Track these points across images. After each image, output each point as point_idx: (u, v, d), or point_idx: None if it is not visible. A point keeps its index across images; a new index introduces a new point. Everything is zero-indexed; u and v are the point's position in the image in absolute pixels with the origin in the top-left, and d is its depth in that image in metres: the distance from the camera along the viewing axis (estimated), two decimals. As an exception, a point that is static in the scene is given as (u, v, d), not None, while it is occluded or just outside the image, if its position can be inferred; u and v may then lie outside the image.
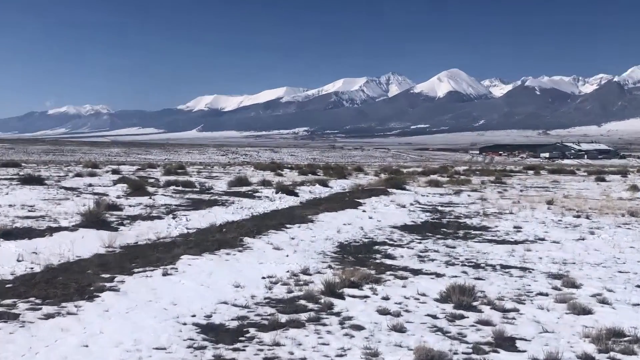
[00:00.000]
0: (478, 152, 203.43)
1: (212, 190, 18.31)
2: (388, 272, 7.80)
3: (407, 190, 21.16)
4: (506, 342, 5.22)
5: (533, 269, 8.32)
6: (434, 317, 5.90)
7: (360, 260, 8.60)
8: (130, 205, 13.36)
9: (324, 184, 21.81)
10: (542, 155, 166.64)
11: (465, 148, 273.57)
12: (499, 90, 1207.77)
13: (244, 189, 19.07)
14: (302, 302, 6.26)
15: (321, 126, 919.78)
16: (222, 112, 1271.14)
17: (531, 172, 42.17)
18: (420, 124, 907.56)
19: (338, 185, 22.32)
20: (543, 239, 10.91)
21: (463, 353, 4.96)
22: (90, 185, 18.45)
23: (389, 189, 20.46)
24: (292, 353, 4.85)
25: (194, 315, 5.71)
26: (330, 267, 8.07)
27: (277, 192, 17.63)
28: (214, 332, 5.28)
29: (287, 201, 15.97)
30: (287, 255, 8.71)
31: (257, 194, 17.37)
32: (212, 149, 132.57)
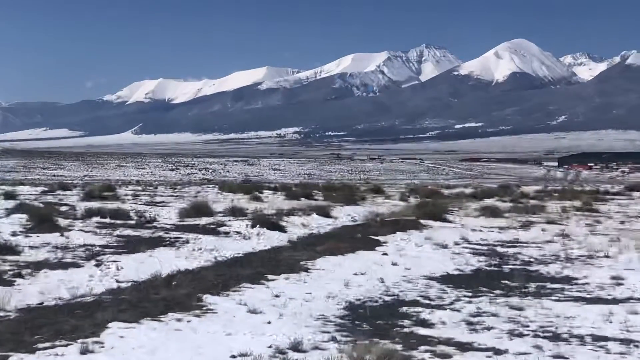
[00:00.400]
0: (557, 164, 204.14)
1: (155, 224, 18.29)
2: (422, 348, 7.78)
3: (450, 222, 21.15)
4: None
5: (641, 342, 8.30)
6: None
7: (380, 329, 8.57)
8: (32, 247, 13.31)
9: (324, 213, 21.82)
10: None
11: (538, 158, 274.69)
12: (588, 71, 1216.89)
13: (203, 220, 19.05)
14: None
15: (320, 125, 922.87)
16: (171, 104, 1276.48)
17: (637, 193, 42.25)
18: (469, 121, 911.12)
19: (345, 215, 22.31)
20: (656, 296, 10.89)
21: None
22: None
23: (422, 221, 20.45)
24: None
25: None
26: (334, 339, 8.04)
27: (253, 226, 17.62)
28: None
29: (269, 239, 15.95)
30: (269, 322, 8.69)
31: (223, 229, 17.35)
32: (155, 160, 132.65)
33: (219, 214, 20.72)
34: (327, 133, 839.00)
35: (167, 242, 14.94)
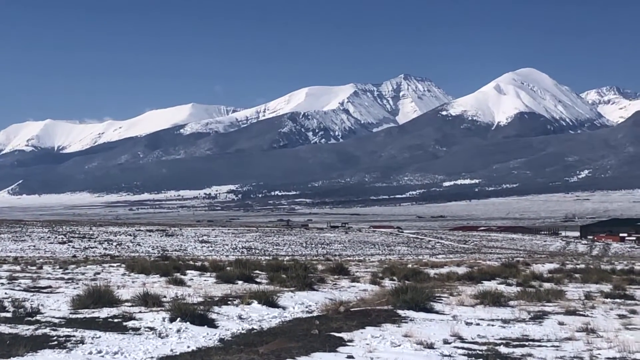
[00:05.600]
0: (578, 234, 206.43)
1: (39, 317, 18.06)
2: None
3: (438, 313, 21.20)
4: None
5: None
6: None
7: None
8: None
9: (269, 301, 21.74)
10: None
11: (553, 226, 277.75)
12: (618, 110, 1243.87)
13: (105, 312, 18.86)
14: None
15: (264, 182, 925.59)
16: (62, 154, 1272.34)
17: (683, 274, 42.80)
18: (463, 177, 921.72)
19: (298, 304, 22.25)
20: None
21: None
22: None
23: (400, 311, 20.47)
24: None
25: None
26: None
27: (172, 320, 17.48)
28: None
29: (194, 338, 15.83)
30: None
31: (131, 324, 17.19)
32: (40, 229, 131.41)
33: (126, 303, 20.51)
34: (273, 193, 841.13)
35: (55, 343, 14.71)
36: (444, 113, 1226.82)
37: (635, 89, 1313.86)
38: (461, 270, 43.43)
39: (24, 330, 16.18)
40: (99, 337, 15.47)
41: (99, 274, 35.47)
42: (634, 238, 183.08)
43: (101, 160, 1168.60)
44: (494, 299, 24.22)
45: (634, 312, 22.72)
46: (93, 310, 19.28)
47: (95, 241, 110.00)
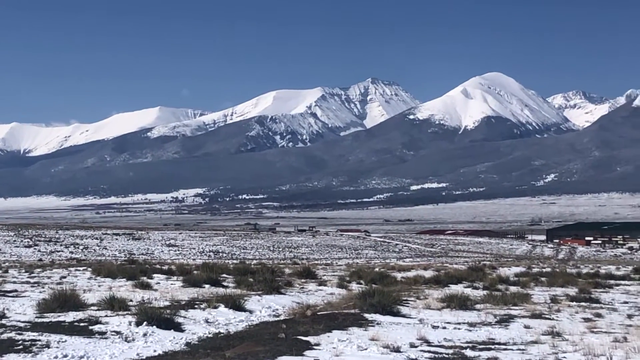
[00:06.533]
0: (544, 238, 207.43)
1: (4, 321, 17.94)
2: None
3: (404, 316, 21.23)
4: None
5: None
6: None
7: None
8: None
9: (236, 305, 21.70)
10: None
11: (520, 230, 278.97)
12: (584, 115, 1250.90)
13: (71, 316, 18.76)
14: None
15: (231, 186, 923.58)
16: (28, 157, 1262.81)
17: (649, 277, 43.07)
18: (430, 181, 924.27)
19: (265, 308, 22.23)
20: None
21: None
22: None
23: (367, 315, 20.49)
24: None
25: None
26: None
27: (139, 324, 17.42)
28: None
29: (160, 342, 15.79)
30: None
31: (98, 328, 17.11)
32: (5, 233, 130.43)
33: (93, 307, 20.40)
34: (240, 196, 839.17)
35: (20, 347, 14.64)
36: (412, 117, 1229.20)
37: (601, 94, 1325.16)
38: (428, 273, 43.56)
39: (-11, 334, 16.06)
40: (65, 341, 15.39)
41: (65, 277, 35.25)
42: (600, 242, 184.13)
43: (68, 164, 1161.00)
44: (461, 303, 24.30)
45: (599, 315, 22.88)
46: (59, 314, 19.17)
47: (61, 245, 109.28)
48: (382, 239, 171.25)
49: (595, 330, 19.48)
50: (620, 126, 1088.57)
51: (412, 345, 16.46)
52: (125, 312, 19.41)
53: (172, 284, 30.65)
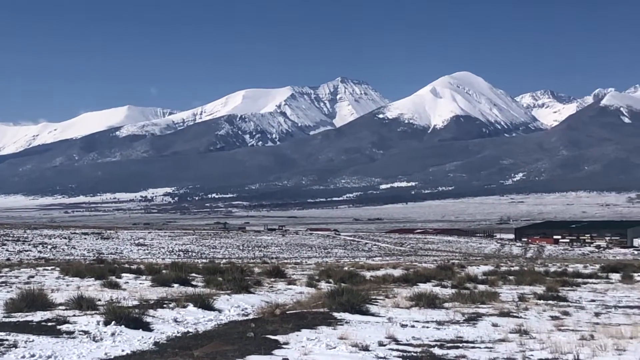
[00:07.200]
0: (513, 236, 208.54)
1: (-29, 321, 17.80)
2: None
3: (373, 315, 21.22)
4: None
5: None
6: None
7: None
8: None
9: (204, 304, 21.65)
10: (637, 242, 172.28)
11: (488, 229, 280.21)
12: (552, 114, 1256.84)
13: (38, 316, 18.64)
14: None
15: (200, 185, 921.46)
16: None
17: (616, 275, 43.34)
18: (399, 180, 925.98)
19: (234, 307, 22.18)
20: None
21: None
22: None
23: (335, 314, 20.48)
24: None
25: None
26: None
27: (107, 323, 17.33)
28: None
29: (129, 341, 15.70)
30: None
31: (65, 327, 17.00)
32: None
33: (61, 307, 20.27)
34: (209, 195, 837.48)
35: (-13, 347, 14.55)
36: (381, 116, 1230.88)
37: (569, 93, 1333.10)
38: (397, 272, 43.57)
39: (-45, 334, 15.94)
40: (33, 340, 15.29)
41: (33, 277, 35.05)
42: (568, 240, 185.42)
43: (36, 163, 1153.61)
44: (429, 301, 24.34)
45: (566, 313, 22.98)
46: (27, 313, 19.06)
47: (29, 244, 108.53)
48: (351, 238, 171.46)
49: (562, 328, 19.56)
50: (588, 125, 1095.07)
51: (381, 344, 16.47)
52: (93, 312, 19.31)
53: (141, 284, 30.55)
